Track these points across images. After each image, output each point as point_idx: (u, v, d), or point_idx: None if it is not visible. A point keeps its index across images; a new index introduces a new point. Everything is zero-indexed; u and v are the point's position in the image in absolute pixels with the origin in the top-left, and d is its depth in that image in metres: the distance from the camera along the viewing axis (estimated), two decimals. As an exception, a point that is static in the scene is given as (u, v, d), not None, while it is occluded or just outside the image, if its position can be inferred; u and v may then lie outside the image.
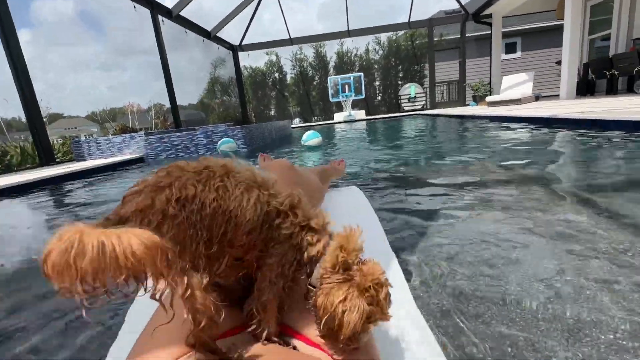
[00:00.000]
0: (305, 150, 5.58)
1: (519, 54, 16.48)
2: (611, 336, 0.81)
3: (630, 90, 8.58)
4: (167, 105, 10.02)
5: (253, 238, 0.53)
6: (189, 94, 15.62)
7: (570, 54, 8.13)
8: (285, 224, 0.55)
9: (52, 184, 4.36)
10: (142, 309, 0.87)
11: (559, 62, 8.97)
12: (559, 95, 9.01)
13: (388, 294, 0.53)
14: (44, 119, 6.89)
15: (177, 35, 10.41)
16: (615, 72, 8.64)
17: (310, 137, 5.71)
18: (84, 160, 6.72)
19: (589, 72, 9.64)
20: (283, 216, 0.55)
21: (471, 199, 2.00)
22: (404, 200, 2.14)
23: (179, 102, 9.89)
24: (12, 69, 5.66)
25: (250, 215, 0.51)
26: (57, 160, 6.80)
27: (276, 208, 0.55)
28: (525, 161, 2.96)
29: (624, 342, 0.79)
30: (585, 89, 9.77)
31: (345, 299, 0.49)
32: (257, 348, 0.55)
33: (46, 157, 6.28)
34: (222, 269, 0.53)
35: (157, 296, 0.43)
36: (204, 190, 0.48)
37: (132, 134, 7.00)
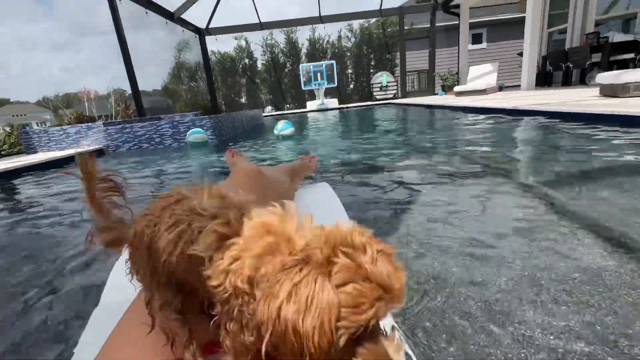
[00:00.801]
0: (279, 141, 5.49)
1: (484, 44, 17.05)
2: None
3: (582, 82, 9.20)
4: (129, 91, 9.35)
5: (178, 262, 0.52)
6: (152, 79, 14.70)
7: (531, 46, 8.54)
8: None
9: (-2, 181, 3.98)
10: (106, 318, 0.82)
11: (520, 54, 9.39)
12: (520, 85, 9.48)
13: (387, 257, 0.33)
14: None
15: (136, 16, 9.64)
16: (570, 65, 9.20)
17: (284, 128, 5.66)
18: (35, 152, 6.18)
19: (547, 64, 10.21)
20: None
21: (439, 191, 2.07)
22: (376, 194, 2.17)
23: (142, 87, 9.24)
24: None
25: (163, 244, 0.51)
26: (3, 152, 6.21)
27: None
28: (491, 153, 3.10)
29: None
30: (543, 79, 10.35)
31: (290, 293, 0.31)
32: None
33: (-11, 149, 5.70)
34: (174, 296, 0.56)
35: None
36: (147, 226, 0.53)
37: (89, 123, 6.51)
